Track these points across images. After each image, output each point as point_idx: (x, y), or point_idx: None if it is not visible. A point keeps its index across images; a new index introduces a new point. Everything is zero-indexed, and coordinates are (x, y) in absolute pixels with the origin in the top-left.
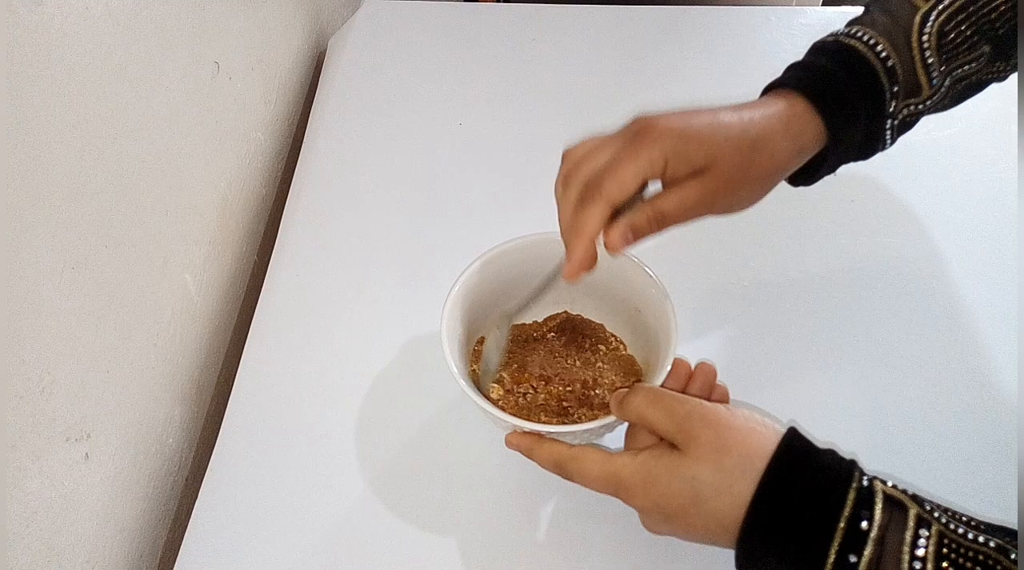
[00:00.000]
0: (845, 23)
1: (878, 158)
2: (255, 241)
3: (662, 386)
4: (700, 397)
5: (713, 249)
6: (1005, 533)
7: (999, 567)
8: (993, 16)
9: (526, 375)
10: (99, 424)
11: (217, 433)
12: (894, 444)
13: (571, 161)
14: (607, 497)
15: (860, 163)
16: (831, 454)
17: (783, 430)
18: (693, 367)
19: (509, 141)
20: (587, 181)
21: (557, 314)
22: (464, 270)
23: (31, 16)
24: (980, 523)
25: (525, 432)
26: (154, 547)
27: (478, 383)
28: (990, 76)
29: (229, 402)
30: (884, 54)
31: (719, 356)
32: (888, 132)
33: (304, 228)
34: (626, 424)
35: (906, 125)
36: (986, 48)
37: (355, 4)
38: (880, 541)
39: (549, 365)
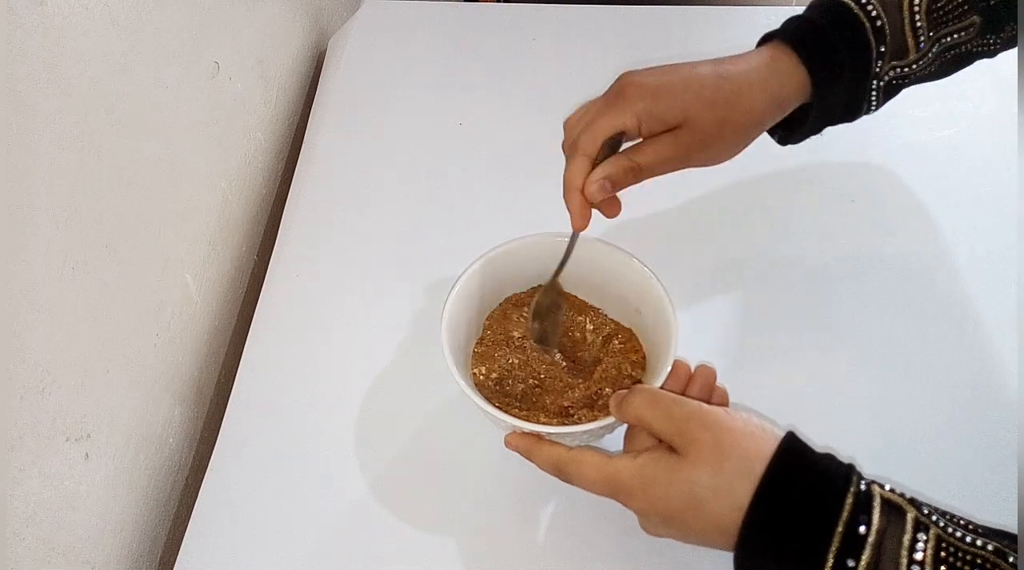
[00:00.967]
0: None
1: (878, 157)
2: (255, 241)
3: (662, 388)
4: (700, 399)
5: (713, 249)
6: (1003, 536)
7: None
8: None
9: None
10: (99, 424)
11: (217, 433)
12: (893, 446)
13: (567, 127)
14: (606, 499)
15: (860, 163)
16: (829, 458)
17: (782, 434)
18: (693, 369)
19: (509, 141)
20: (572, 141)
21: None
22: (464, 270)
23: (31, 16)
24: (978, 527)
25: (524, 433)
26: (154, 547)
27: (478, 383)
28: (980, 48)
29: (229, 402)
30: (874, 13)
31: (718, 358)
32: (874, 93)
33: (304, 228)
34: (625, 425)
35: (892, 88)
36: (976, 18)
37: (355, 4)
38: (878, 545)
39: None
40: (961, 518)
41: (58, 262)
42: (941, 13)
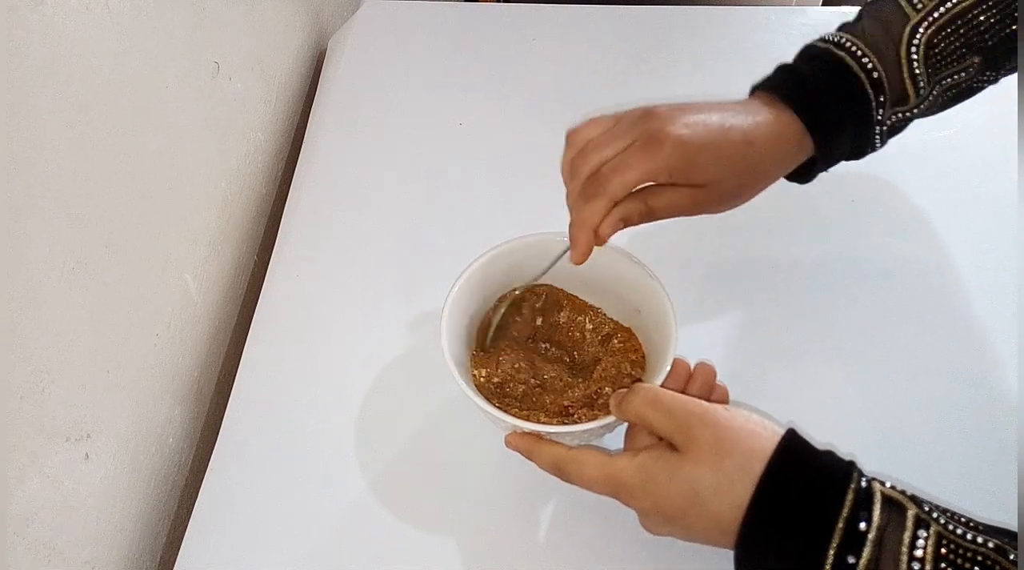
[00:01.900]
0: (837, 27)
1: (878, 158)
2: (255, 241)
3: (662, 386)
4: (700, 397)
5: (712, 250)
6: (1004, 534)
7: (998, 568)
8: (983, 29)
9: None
10: (99, 424)
11: (217, 433)
12: (893, 444)
13: (576, 146)
14: (607, 498)
15: (860, 163)
16: (830, 455)
17: (782, 431)
18: (693, 367)
19: (509, 141)
20: (592, 173)
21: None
22: (464, 270)
23: (31, 16)
24: (979, 524)
25: (524, 432)
26: (154, 547)
27: (479, 386)
28: (981, 83)
29: (229, 402)
30: (870, 66)
31: (718, 356)
32: (877, 137)
33: (304, 228)
34: (625, 424)
35: (896, 129)
36: (976, 59)
37: (355, 4)
38: (878, 542)
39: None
40: (962, 515)
41: (58, 262)
42: (940, 58)
